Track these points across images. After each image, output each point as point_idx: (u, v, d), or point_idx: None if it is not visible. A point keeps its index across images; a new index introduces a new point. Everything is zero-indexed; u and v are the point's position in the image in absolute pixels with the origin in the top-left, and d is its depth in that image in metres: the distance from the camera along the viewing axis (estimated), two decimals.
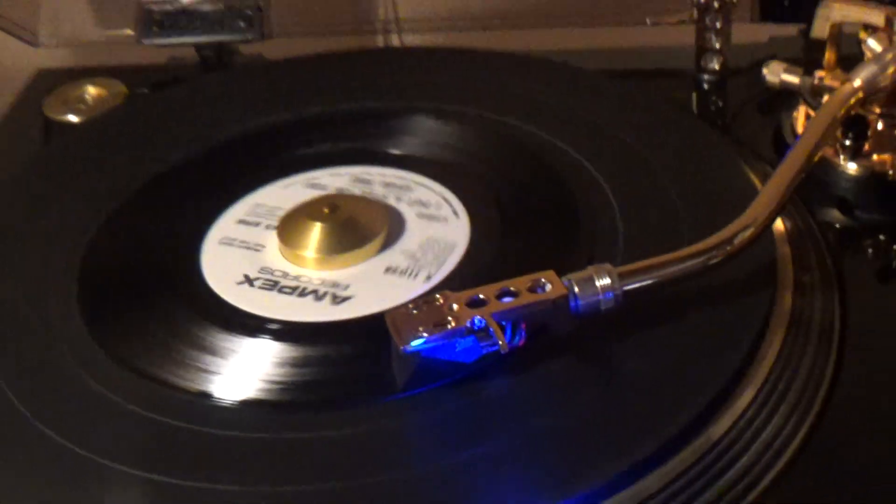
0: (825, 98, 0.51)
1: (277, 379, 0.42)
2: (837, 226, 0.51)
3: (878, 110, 0.53)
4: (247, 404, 0.41)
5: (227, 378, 0.42)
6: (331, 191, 0.52)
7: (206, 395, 0.41)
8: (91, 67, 0.70)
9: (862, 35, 0.53)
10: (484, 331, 0.39)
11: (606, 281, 0.40)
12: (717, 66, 0.62)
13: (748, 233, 0.43)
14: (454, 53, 0.63)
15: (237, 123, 0.57)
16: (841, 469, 0.39)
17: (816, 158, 0.47)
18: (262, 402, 0.41)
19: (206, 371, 0.42)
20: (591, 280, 0.40)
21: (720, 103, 0.61)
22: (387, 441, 0.39)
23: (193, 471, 0.38)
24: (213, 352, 0.43)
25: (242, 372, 0.42)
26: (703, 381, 0.39)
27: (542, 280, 0.40)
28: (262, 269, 0.47)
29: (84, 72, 0.69)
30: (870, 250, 0.50)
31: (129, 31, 0.71)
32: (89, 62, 0.72)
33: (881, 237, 0.50)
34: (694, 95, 0.62)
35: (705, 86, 0.62)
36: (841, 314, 0.45)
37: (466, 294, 0.40)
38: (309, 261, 0.47)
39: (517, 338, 0.40)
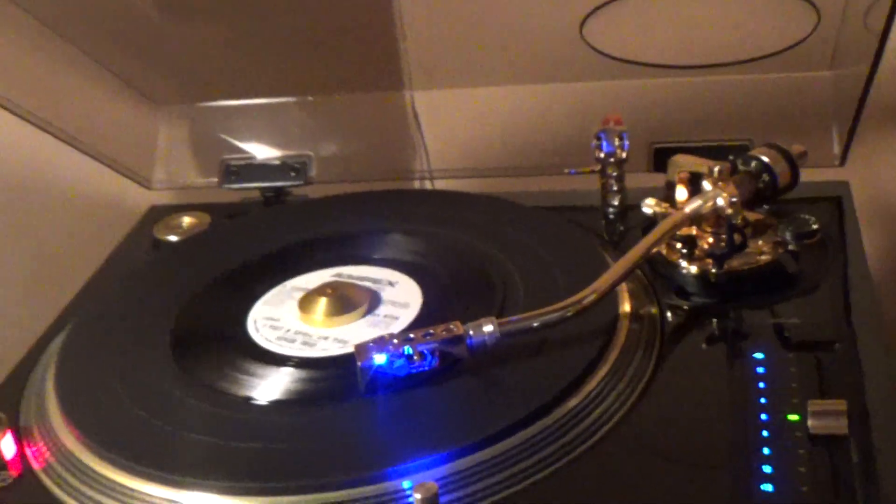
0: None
1: (295, 388, 0.67)
2: (677, 304, 0.73)
3: (708, 229, 0.77)
4: (275, 402, 0.66)
5: (265, 389, 0.67)
6: (330, 281, 0.77)
7: (251, 398, 0.67)
8: (188, 204, 0.94)
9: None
10: (412, 356, 0.64)
11: (490, 328, 0.65)
12: (616, 203, 0.85)
13: (593, 296, 0.67)
14: (427, 193, 0.90)
15: (278, 240, 0.84)
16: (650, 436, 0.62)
17: (647, 257, 0.71)
18: (284, 401, 0.66)
19: (251, 384, 0.68)
20: (480, 326, 0.65)
21: (620, 227, 0.85)
22: (354, 420, 0.64)
23: (244, 438, 0.63)
24: (256, 375, 0.69)
25: (274, 385, 0.68)
26: (565, 373, 0.63)
27: (451, 326, 0.65)
28: (287, 329, 0.73)
29: (183, 207, 0.93)
30: (692, 317, 0.72)
31: (215, 179, 0.95)
32: (187, 200, 0.95)
33: (701, 310, 0.72)
34: (603, 222, 0.85)
35: (610, 216, 0.85)
36: (659, 347, 0.69)
37: (403, 334, 0.65)
38: (318, 322, 0.73)
39: (433, 361, 0.65)
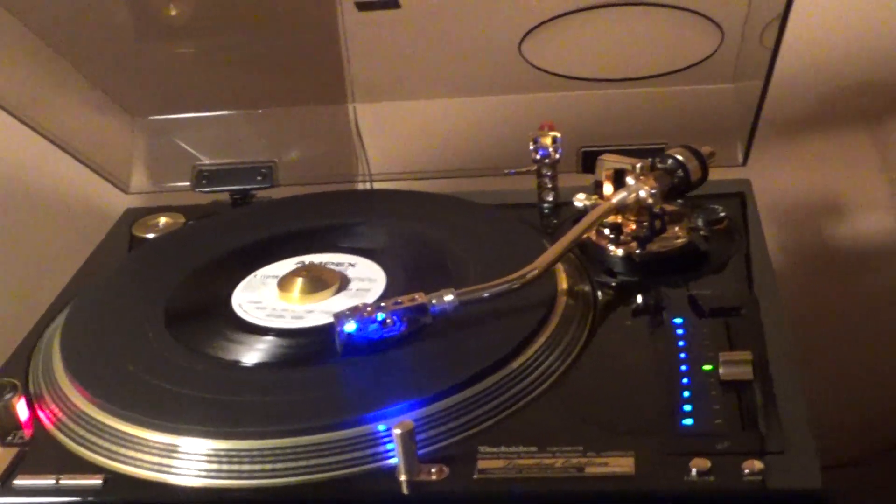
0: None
1: (282, 349, 0.77)
2: (607, 282, 0.84)
3: (632, 218, 0.88)
4: (264, 364, 0.76)
5: (253, 355, 0.77)
6: (304, 264, 0.87)
7: (238, 362, 0.76)
8: (163, 206, 1.03)
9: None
10: (384, 321, 0.74)
11: (450, 297, 0.75)
12: (550, 199, 0.96)
13: (535, 272, 0.77)
14: (384, 192, 1.01)
15: (249, 234, 0.93)
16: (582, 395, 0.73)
17: (580, 240, 0.82)
18: (272, 363, 0.76)
19: (241, 351, 0.77)
20: (441, 296, 0.75)
21: (554, 221, 0.95)
22: (334, 377, 0.73)
23: (236, 393, 0.72)
24: (245, 343, 0.78)
25: (262, 351, 0.77)
26: (511, 337, 0.74)
27: (416, 296, 0.75)
28: (273, 308, 0.82)
29: (158, 209, 1.02)
30: (620, 292, 0.83)
31: (187, 183, 1.04)
32: (162, 203, 1.04)
33: (627, 287, 0.83)
34: (539, 217, 0.96)
35: (546, 211, 0.96)
36: (593, 315, 0.80)
37: (375, 303, 0.75)
38: (295, 300, 0.82)
39: (402, 326, 0.75)
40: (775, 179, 1.10)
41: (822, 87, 1.06)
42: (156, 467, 0.69)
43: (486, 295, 0.76)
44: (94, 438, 0.72)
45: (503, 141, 0.98)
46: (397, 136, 1.06)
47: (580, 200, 0.88)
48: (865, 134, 1.10)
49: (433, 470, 0.66)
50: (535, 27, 0.91)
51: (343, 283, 0.84)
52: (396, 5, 0.87)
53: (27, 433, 0.74)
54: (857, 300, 1.17)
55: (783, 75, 1.00)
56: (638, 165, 0.85)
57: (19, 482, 0.69)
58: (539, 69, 0.95)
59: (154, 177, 1.06)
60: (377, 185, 1.07)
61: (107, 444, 0.71)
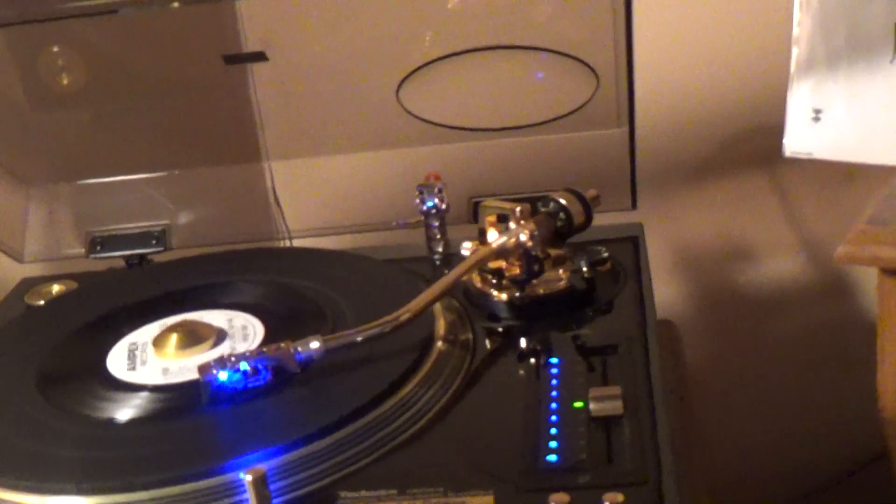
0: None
1: (153, 404, 0.76)
2: (490, 327, 0.83)
3: (515, 262, 0.88)
4: (130, 421, 0.75)
5: (122, 411, 0.76)
6: (179, 321, 0.86)
7: (110, 419, 0.75)
8: (58, 274, 1.01)
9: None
10: (248, 372, 0.73)
11: (316, 344, 0.75)
12: (440, 249, 0.95)
13: (407, 314, 0.77)
14: (262, 250, 1.01)
15: (132, 295, 0.92)
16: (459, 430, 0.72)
17: (457, 283, 0.81)
18: (139, 419, 0.75)
19: (110, 408, 0.76)
20: (307, 343, 0.74)
21: (445, 271, 0.95)
22: (199, 428, 0.72)
23: (102, 449, 0.71)
24: (114, 400, 0.77)
25: (129, 407, 0.76)
26: (376, 384, 0.73)
27: (282, 344, 0.75)
28: (144, 363, 0.82)
29: (53, 277, 1.01)
30: (502, 337, 0.83)
31: (82, 250, 1.04)
32: (57, 271, 1.04)
33: (510, 331, 0.83)
34: (430, 268, 0.96)
35: (437, 262, 0.95)
36: (470, 361, 0.79)
37: (238, 354, 0.74)
38: (171, 355, 0.81)
39: (267, 375, 0.74)
40: (673, 224, 1.10)
41: (711, 129, 1.07)
42: None
43: (358, 339, 0.76)
44: None
45: (394, 194, 0.98)
46: (300, 194, 1.06)
47: (466, 249, 0.88)
48: (764, 177, 1.10)
49: None
50: (410, 74, 0.91)
51: (220, 337, 0.83)
52: (264, 58, 0.88)
53: None
54: (764, 343, 1.16)
55: (665, 118, 1.01)
56: (518, 209, 0.85)
57: None
58: (421, 119, 0.95)
59: (49, 244, 1.06)
60: (283, 244, 1.07)
61: None
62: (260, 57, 0.88)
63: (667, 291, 1.03)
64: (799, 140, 0.79)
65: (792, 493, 1.18)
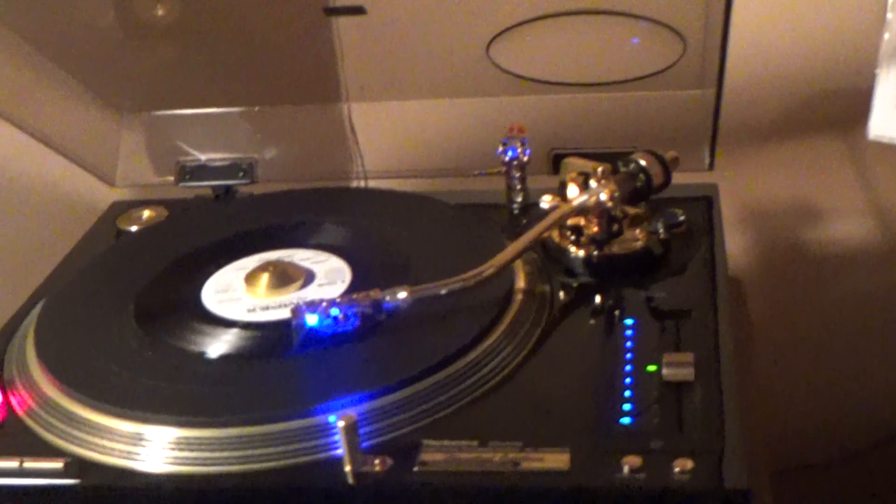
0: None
1: (244, 342, 0.80)
2: (567, 282, 0.86)
3: (594, 220, 0.90)
4: (224, 356, 0.79)
5: (216, 347, 0.80)
6: (271, 259, 0.89)
7: (203, 353, 0.79)
8: (147, 199, 1.06)
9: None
10: (338, 317, 0.77)
11: (403, 294, 0.78)
12: (519, 200, 0.98)
13: (490, 270, 0.80)
14: (354, 190, 1.04)
15: (225, 229, 0.96)
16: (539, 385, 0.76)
17: (539, 240, 0.85)
18: (231, 356, 0.79)
19: (204, 342, 0.80)
20: (395, 292, 0.78)
21: (523, 221, 0.97)
22: (289, 370, 0.77)
23: (195, 383, 0.76)
24: (208, 334, 0.81)
25: (223, 343, 0.80)
26: (462, 336, 0.77)
27: (371, 293, 0.78)
28: (238, 300, 0.85)
29: (142, 202, 1.06)
30: (578, 293, 0.86)
31: (171, 178, 1.08)
32: (147, 196, 1.08)
33: (585, 287, 0.86)
34: (507, 218, 0.98)
35: (514, 212, 0.98)
36: (548, 315, 0.82)
37: (330, 299, 0.78)
38: (261, 294, 0.85)
39: (355, 322, 0.78)
40: (747, 184, 1.12)
41: (794, 93, 1.08)
42: (120, 454, 0.73)
43: (441, 292, 0.79)
44: (61, 425, 0.75)
45: (475, 142, 1.00)
46: (378, 135, 1.09)
47: (545, 202, 0.90)
48: (837, 140, 1.11)
49: (377, 461, 0.69)
50: (503, 32, 0.93)
51: (308, 278, 0.86)
52: (363, 12, 0.90)
53: None
54: (827, 305, 1.19)
55: (753, 81, 1.03)
56: (599, 169, 0.87)
57: None
58: (506, 72, 0.97)
59: (139, 171, 1.09)
60: (359, 184, 1.10)
61: (73, 431, 0.74)
62: (359, 11, 0.90)
63: (733, 248, 1.05)
64: (883, 124, 0.80)
65: (844, 451, 1.21)
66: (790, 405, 1.13)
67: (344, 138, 1.07)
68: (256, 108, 1.08)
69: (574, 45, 0.97)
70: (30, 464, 0.72)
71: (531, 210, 0.98)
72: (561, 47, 0.97)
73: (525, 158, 0.97)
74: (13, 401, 0.79)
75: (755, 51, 1.03)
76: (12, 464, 0.72)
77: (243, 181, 1.06)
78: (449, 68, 1.00)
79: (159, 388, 0.76)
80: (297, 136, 1.09)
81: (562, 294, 0.86)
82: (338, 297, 0.78)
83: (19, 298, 0.92)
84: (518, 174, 0.97)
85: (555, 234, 0.90)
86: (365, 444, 0.69)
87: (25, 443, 0.75)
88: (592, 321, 0.82)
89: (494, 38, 0.95)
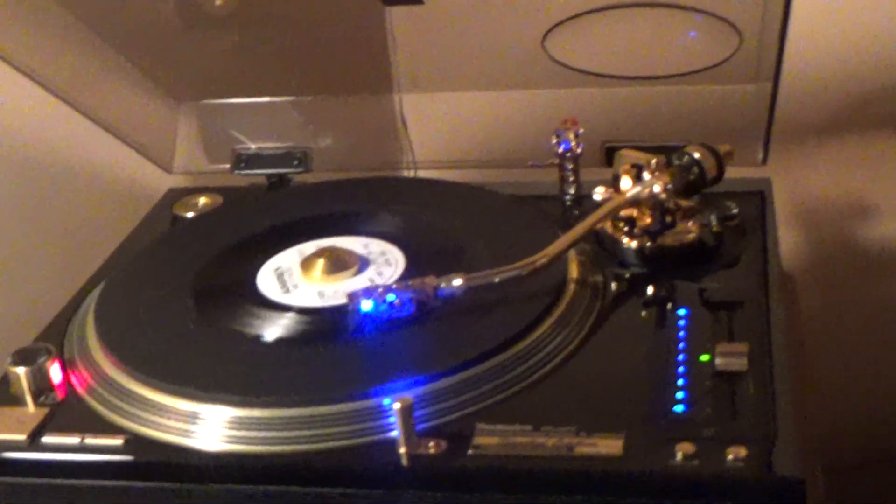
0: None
1: (299, 326, 0.81)
2: (619, 273, 0.86)
3: (647, 212, 0.91)
4: (280, 340, 0.80)
5: (271, 331, 0.81)
6: (327, 246, 0.90)
7: (259, 336, 0.81)
8: (203, 186, 1.08)
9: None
10: (394, 303, 0.78)
11: (458, 281, 0.79)
12: (572, 192, 0.99)
13: (544, 259, 0.80)
14: (409, 180, 1.05)
15: (279, 216, 0.97)
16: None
17: (592, 231, 0.85)
18: (286, 339, 0.80)
19: (259, 326, 0.82)
20: (450, 280, 0.79)
21: (575, 212, 0.98)
22: (345, 353, 0.78)
23: (253, 365, 0.77)
24: (264, 319, 0.83)
25: (278, 328, 0.81)
26: (515, 322, 0.77)
27: (426, 280, 0.79)
28: (293, 285, 0.87)
29: (199, 189, 1.07)
30: (630, 283, 0.86)
31: (227, 165, 1.09)
32: (203, 184, 1.09)
33: (638, 278, 0.86)
34: (560, 209, 0.99)
35: (567, 203, 0.98)
36: (600, 305, 0.83)
37: (385, 285, 0.79)
38: (317, 279, 0.86)
39: (410, 308, 0.78)
40: (800, 180, 1.12)
41: (851, 89, 1.08)
42: (177, 431, 0.74)
43: (495, 280, 0.80)
44: (120, 403, 0.77)
45: (528, 134, 1.01)
46: (429, 126, 1.10)
47: (598, 193, 0.90)
48: (893, 137, 1.11)
49: (431, 444, 0.70)
50: (558, 24, 0.94)
51: (363, 265, 0.87)
52: (420, 2, 0.91)
53: (59, 395, 0.79)
54: (880, 304, 1.18)
55: (809, 76, 1.02)
56: (653, 161, 0.88)
57: (47, 439, 0.75)
58: (562, 65, 0.97)
59: (195, 158, 1.11)
60: (409, 174, 1.11)
61: (132, 409, 0.76)
62: (417, 1, 0.91)
63: (784, 245, 1.05)
64: None
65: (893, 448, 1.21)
66: (841, 403, 1.12)
67: (395, 129, 1.08)
68: (309, 98, 1.09)
69: (629, 38, 0.97)
70: (90, 440, 0.74)
71: (584, 202, 0.98)
72: (616, 40, 0.98)
73: (578, 151, 0.97)
74: (74, 380, 0.80)
75: (813, 45, 1.03)
76: (73, 440, 0.74)
77: (298, 170, 1.07)
78: (503, 60, 1.01)
79: (216, 368, 0.77)
80: (348, 125, 1.11)
81: (614, 284, 0.86)
82: (394, 283, 0.79)
83: (78, 281, 0.94)
84: (571, 166, 0.98)
85: (608, 226, 0.90)
86: (419, 427, 0.70)
87: (86, 420, 0.76)
88: (645, 311, 0.83)
89: (550, 30, 0.95)
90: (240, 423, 0.73)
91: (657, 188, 0.87)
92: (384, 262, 0.88)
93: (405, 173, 1.10)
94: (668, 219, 0.87)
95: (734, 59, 0.94)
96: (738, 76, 0.96)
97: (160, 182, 1.12)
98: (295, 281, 0.87)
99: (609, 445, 0.68)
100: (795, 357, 0.84)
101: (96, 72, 1.05)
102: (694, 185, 0.90)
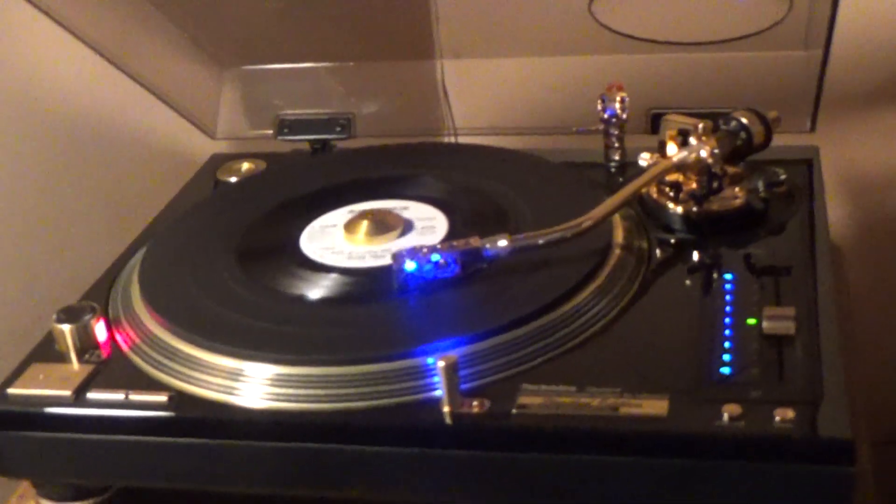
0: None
1: (343, 286, 0.81)
2: (664, 238, 0.86)
3: (693, 177, 0.90)
4: (324, 299, 0.80)
5: (315, 290, 0.81)
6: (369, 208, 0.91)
7: (302, 296, 0.81)
8: (246, 152, 1.08)
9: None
10: (439, 263, 0.78)
11: (504, 242, 0.78)
12: (617, 158, 0.98)
13: (588, 222, 0.80)
14: (452, 145, 1.04)
15: (321, 180, 0.97)
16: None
17: (637, 195, 0.84)
18: (332, 299, 0.80)
19: (304, 286, 0.82)
20: (495, 240, 0.78)
21: (620, 179, 0.97)
22: (391, 313, 0.78)
23: (296, 324, 0.77)
24: (308, 279, 0.83)
25: (323, 288, 0.81)
26: (560, 284, 0.77)
27: (471, 240, 0.79)
28: (337, 248, 0.87)
29: (242, 155, 1.07)
30: (676, 248, 0.85)
31: (270, 131, 1.09)
32: (246, 149, 1.10)
33: (684, 243, 0.85)
34: (605, 175, 0.99)
35: (612, 169, 0.98)
36: (646, 269, 0.82)
37: (430, 245, 0.79)
38: (360, 241, 0.86)
39: (455, 268, 0.78)
40: (848, 150, 1.10)
41: None
42: (220, 388, 0.74)
43: (540, 242, 0.79)
44: (164, 360, 0.77)
45: (573, 100, 1.00)
46: (470, 93, 1.09)
47: (644, 160, 0.90)
48: None
49: (475, 403, 0.70)
50: None
51: (406, 227, 0.87)
52: None
53: (104, 353, 0.79)
54: None
55: (860, 44, 1.01)
56: (700, 126, 0.87)
57: (92, 395, 0.75)
58: (609, 29, 0.97)
59: (239, 124, 1.11)
60: (450, 140, 1.10)
61: (176, 366, 0.76)
62: None
63: (831, 215, 1.03)
64: None
65: None
66: (889, 379, 1.11)
67: (436, 95, 1.08)
68: (352, 64, 1.09)
69: (677, 3, 0.96)
70: (135, 396, 0.74)
71: (628, 169, 0.98)
72: (664, 5, 0.96)
73: (624, 116, 0.97)
74: (118, 338, 0.81)
75: (865, 12, 1.01)
76: (118, 396, 0.75)
77: (341, 136, 1.07)
78: (549, 25, 1.00)
79: (259, 326, 0.77)
80: (390, 92, 1.10)
81: (659, 250, 0.85)
82: (438, 244, 0.78)
83: (123, 242, 0.94)
84: (616, 132, 0.97)
85: (653, 190, 0.89)
86: (464, 386, 0.70)
87: (130, 377, 0.77)
88: (691, 276, 0.82)
89: None
90: (282, 381, 0.73)
91: (704, 153, 0.86)
92: (427, 226, 0.88)
93: (447, 139, 1.10)
94: (715, 184, 0.86)
95: (783, 25, 0.93)
96: (788, 43, 0.95)
97: (205, 148, 1.12)
98: (338, 242, 0.87)
99: (654, 406, 0.68)
100: (842, 326, 0.83)
101: (143, 35, 1.05)
102: (741, 151, 0.89)
